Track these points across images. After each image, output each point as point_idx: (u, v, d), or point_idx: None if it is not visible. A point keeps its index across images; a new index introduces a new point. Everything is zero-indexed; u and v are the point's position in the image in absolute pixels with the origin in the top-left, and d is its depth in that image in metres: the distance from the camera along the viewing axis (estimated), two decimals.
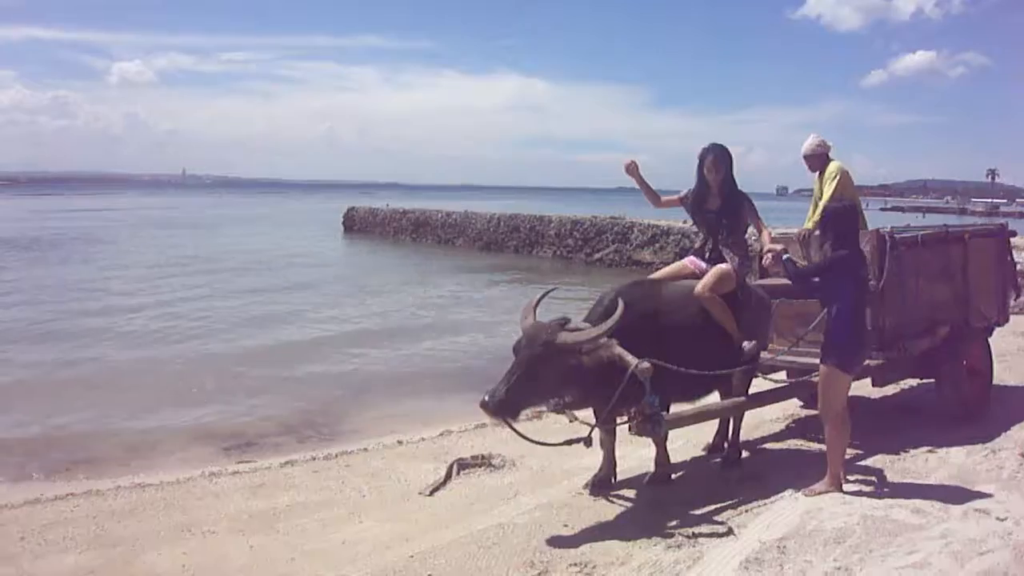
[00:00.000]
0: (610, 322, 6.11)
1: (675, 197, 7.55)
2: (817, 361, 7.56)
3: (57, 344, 16.33)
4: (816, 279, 6.49)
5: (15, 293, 23.45)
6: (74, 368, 14.27)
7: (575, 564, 5.39)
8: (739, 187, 7.33)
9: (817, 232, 8.43)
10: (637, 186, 7.52)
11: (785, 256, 6.59)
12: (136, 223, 61.56)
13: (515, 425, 6.17)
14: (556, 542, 5.80)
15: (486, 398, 5.76)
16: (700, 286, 6.88)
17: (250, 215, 79.18)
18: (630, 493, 6.83)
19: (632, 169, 7.34)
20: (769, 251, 6.92)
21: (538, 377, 5.93)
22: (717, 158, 7.15)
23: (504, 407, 5.81)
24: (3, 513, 7.23)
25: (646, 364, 6.00)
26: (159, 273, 28.74)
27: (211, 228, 57.76)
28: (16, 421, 10.94)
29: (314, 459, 8.79)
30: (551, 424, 6.29)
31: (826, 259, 6.41)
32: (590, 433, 6.39)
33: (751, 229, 7.49)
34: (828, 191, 8.59)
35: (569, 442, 6.33)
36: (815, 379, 7.63)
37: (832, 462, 6.40)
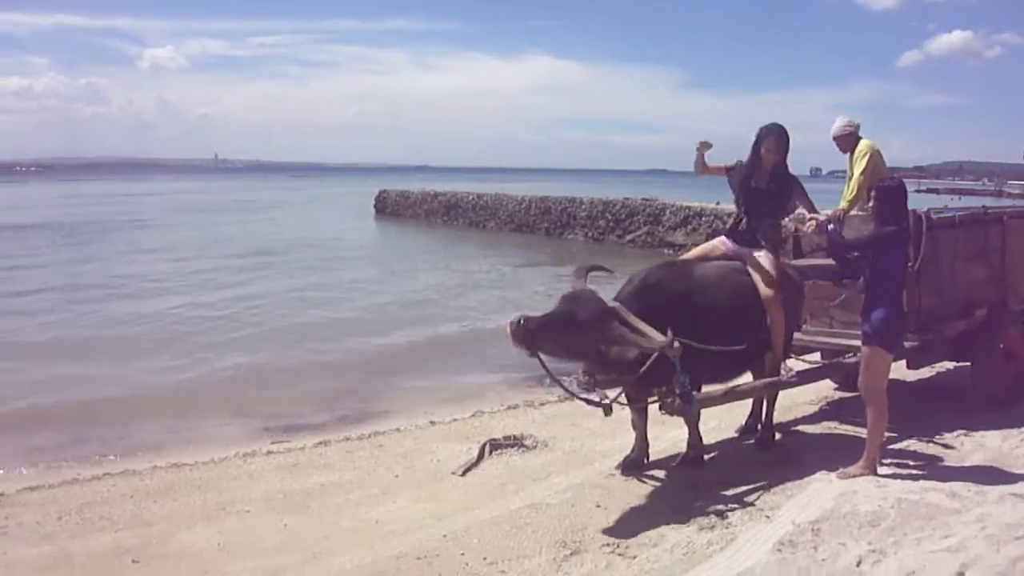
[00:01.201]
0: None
1: (722, 165, 7.50)
2: (850, 342, 7.52)
3: (93, 326, 16.54)
4: (858, 254, 6.42)
5: (55, 277, 23.70)
6: (110, 349, 14.42)
7: (607, 544, 5.40)
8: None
9: (852, 212, 8.37)
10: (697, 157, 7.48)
11: (829, 226, 6.54)
12: (169, 208, 62.04)
13: (541, 357, 6.08)
14: (588, 522, 5.80)
15: (519, 321, 5.73)
16: (767, 289, 6.85)
17: (281, 199, 79.55)
18: (663, 474, 6.82)
19: (702, 146, 7.36)
20: (812, 219, 6.84)
21: (572, 335, 5.94)
22: (777, 140, 7.12)
23: (528, 335, 5.74)
24: (41, 493, 7.33)
25: (676, 343, 5.99)
26: (190, 257, 28.93)
27: (243, 212, 58.11)
28: (53, 401, 11.06)
29: (347, 439, 8.84)
30: (582, 409, 6.28)
31: (872, 234, 6.35)
32: (612, 400, 6.44)
33: None
34: (859, 169, 8.49)
35: (589, 402, 6.45)
36: (848, 360, 7.60)
37: (871, 444, 6.35)
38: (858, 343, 7.65)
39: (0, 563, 5.67)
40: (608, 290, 6.67)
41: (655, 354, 6.01)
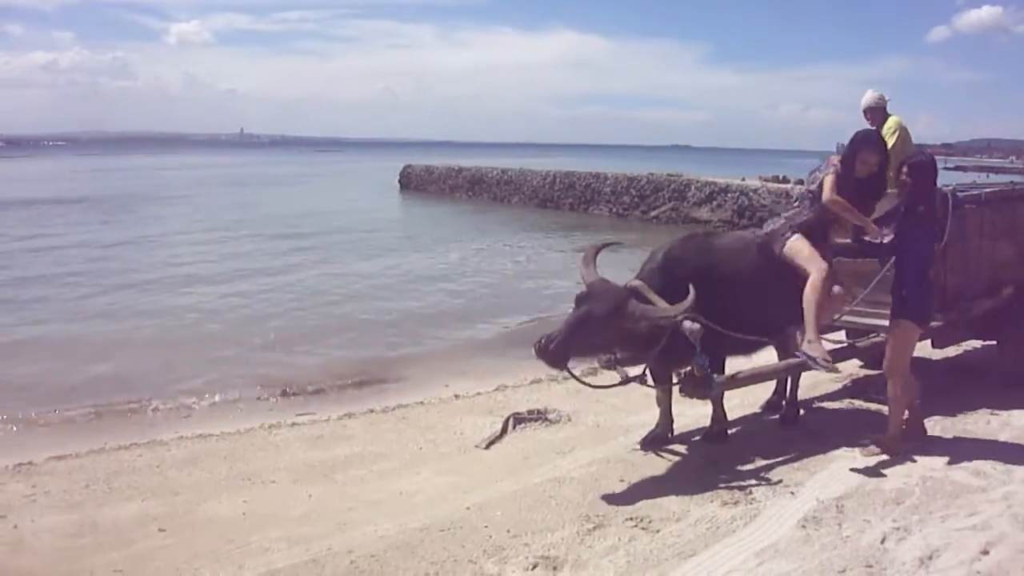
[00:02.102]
0: (685, 304, 6.01)
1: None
2: (875, 321, 7.50)
3: (121, 300, 16.66)
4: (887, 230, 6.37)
5: (85, 250, 23.90)
6: (137, 321, 14.56)
7: (631, 519, 5.40)
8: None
9: None
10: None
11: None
12: (195, 181, 62.41)
13: (570, 369, 6.17)
14: (612, 496, 5.81)
15: (542, 341, 5.73)
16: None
17: (306, 173, 79.80)
18: (686, 450, 6.81)
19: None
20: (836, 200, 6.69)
21: (596, 335, 5.93)
22: (877, 150, 6.79)
23: (555, 354, 5.74)
24: (69, 461, 7.42)
25: (696, 325, 5.96)
26: (217, 231, 29.08)
27: (269, 186, 58.45)
28: (81, 371, 11.20)
29: (371, 412, 8.90)
30: (604, 376, 6.29)
31: (902, 209, 6.29)
32: (636, 378, 6.47)
33: None
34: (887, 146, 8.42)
35: (622, 383, 6.46)
36: (874, 339, 7.57)
37: (894, 419, 6.34)
38: (883, 322, 7.63)
39: (29, 531, 5.75)
40: (626, 259, 6.66)
41: (672, 328, 6.03)
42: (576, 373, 6.38)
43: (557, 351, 5.73)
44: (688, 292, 6.08)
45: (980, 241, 7.80)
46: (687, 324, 5.99)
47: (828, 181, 6.58)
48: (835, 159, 6.73)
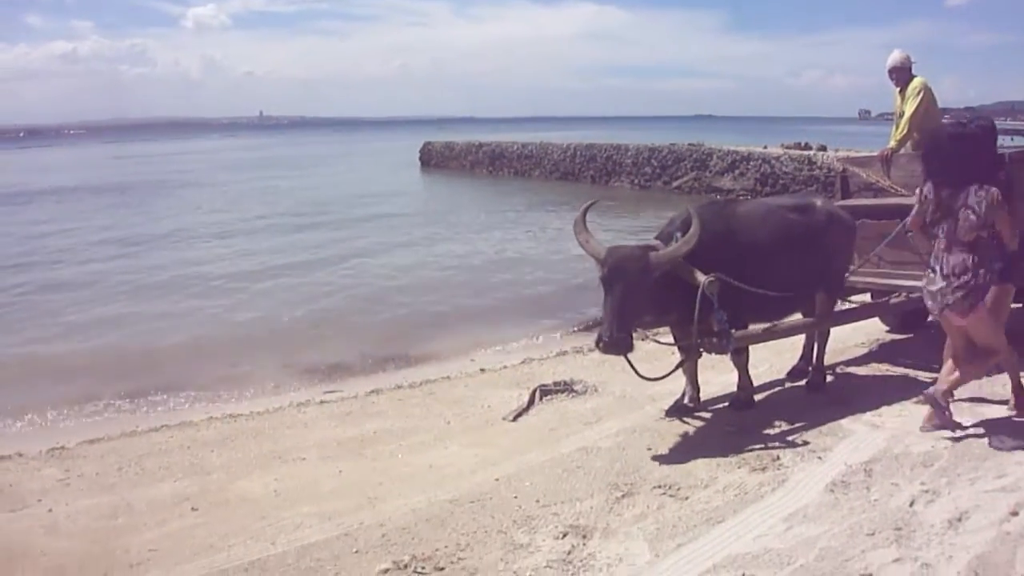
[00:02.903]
0: (692, 234, 6.07)
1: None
2: (898, 282, 7.47)
3: (146, 283, 16.86)
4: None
5: (113, 234, 24.16)
6: (162, 305, 14.72)
7: (659, 486, 5.41)
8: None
9: (900, 151, 8.25)
10: None
11: None
12: (217, 166, 62.71)
13: (631, 361, 6.27)
14: (640, 465, 5.82)
15: (605, 339, 5.79)
16: None
17: (326, 153, 79.99)
18: (713, 417, 6.82)
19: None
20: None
21: (639, 301, 5.94)
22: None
23: (623, 344, 5.82)
24: (101, 444, 7.53)
25: (712, 278, 5.98)
26: (241, 213, 29.29)
27: (289, 167, 58.50)
28: (108, 353, 11.35)
29: (399, 388, 8.96)
30: (636, 353, 6.30)
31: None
32: (682, 363, 6.64)
33: None
34: (911, 108, 8.36)
35: (676, 369, 6.66)
36: (895, 300, 7.55)
37: (1014, 381, 6.22)
38: (906, 283, 7.60)
39: (63, 513, 5.83)
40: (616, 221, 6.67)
41: (697, 289, 6.03)
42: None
43: (622, 340, 5.79)
44: (706, 255, 6.11)
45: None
46: (701, 277, 6.01)
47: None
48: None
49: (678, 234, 6.30)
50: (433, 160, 51.65)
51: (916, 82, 8.47)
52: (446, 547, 4.80)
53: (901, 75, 8.57)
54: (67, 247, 22.03)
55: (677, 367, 6.73)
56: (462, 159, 48.47)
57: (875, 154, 8.61)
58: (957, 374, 5.90)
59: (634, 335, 6.12)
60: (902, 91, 8.59)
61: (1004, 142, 10.75)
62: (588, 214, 6.54)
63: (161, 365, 10.72)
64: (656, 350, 7.23)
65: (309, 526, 5.30)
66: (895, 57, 8.59)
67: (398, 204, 31.75)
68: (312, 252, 20.25)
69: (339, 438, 7.19)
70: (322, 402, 8.59)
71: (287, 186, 41.71)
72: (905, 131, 8.39)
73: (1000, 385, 6.92)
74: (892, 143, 8.42)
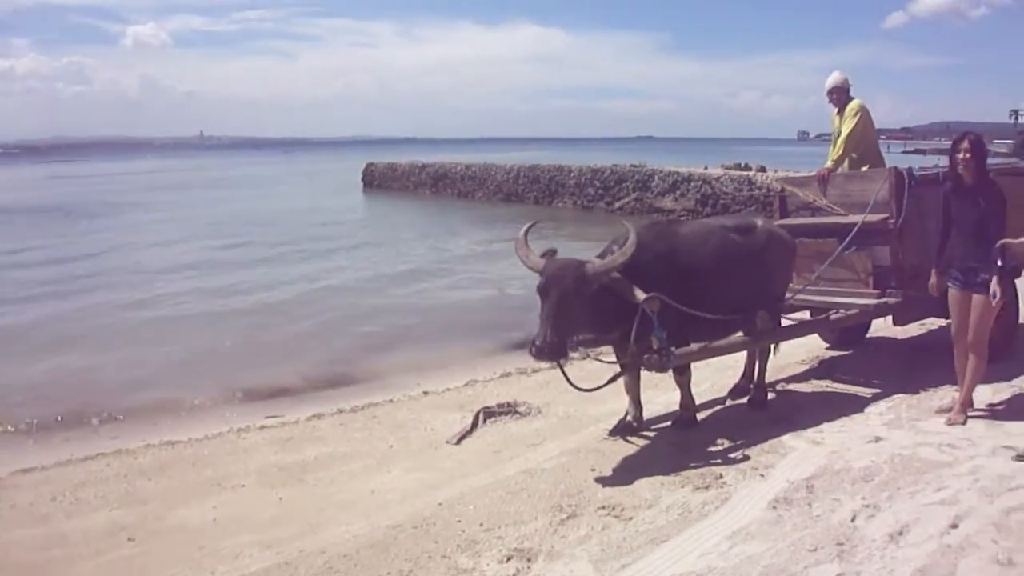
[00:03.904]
0: (628, 246, 6.12)
1: None
2: (836, 299, 7.63)
3: (79, 306, 16.47)
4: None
5: (46, 261, 23.56)
6: (101, 330, 14.38)
7: (603, 507, 5.40)
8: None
9: (837, 171, 8.40)
10: None
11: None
12: (155, 186, 61.75)
13: (564, 369, 6.31)
14: (583, 486, 5.81)
15: (537, 343, 5.77)
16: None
17: (268, 174, 79.34)
18: (656, 437, 6.83)
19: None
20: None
21: (575, 312, 5.93)
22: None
23: (556, 350, 5.82)
24: (34, 474, 7.34)
25: (651, 296, 6.01)
26: (177, 236, 28.82)
27: (229, 188, 57.92)
28: (43, 381, 11.04)
29: (341, 412, 8.85)
30: (576, 371, 6.31)
31: (971, 183, 6.40)
32: (620, 375, 6.64)
33: None
34: (848, 128, 8.53)
35: (611, 381, 6.68)
36: (833, 317, 7.69)
37: (967, 389, 6.48)
38: (842, 300, 7.75)
39: None
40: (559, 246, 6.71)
41: (637, 309, 6.06)
42: (560, 374, 6.39)
43: (554, 346, 5.78)
44: (647, 275, 6.16)
45: (937, 219, 7.89)
46: (640, 295, 6.04)
47: None
48: None
49: (614, 247, 6.35)
50: (376, 181, 51.46)
51: (854, 104, 8.63)
52: (389, 573, 4.75)
53: (839, 96, 8.73)
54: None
55: (613, 379, 6.74)
56: (405, 180, 48.35)
57: (812, 174, 8.75)
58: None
59: (575, 353, 6.12)
60: (840, 112, 8.74)
61: (938, 163, 10.98)
62: (531, 234, 6.54)
63: (97, 391, 10.47)
64: (598, 368, 7.24)
65: (249, 555, 5.23)
66: (834, 78, 8.76)
67: (339, 226, 31.49)
68: (252, 275, 19.95)
69: (280, 464, 7.09)
70: (262, 427, 8.47)
71: (227, 207, 41.19)
72: (842, 151, 8.55)
73: (936, 399, 7.05)
74: (829, 163, 8.56)
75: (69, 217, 36.71)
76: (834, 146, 8.73)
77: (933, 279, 6.76)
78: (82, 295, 17.55)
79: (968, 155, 6.34)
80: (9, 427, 9.17)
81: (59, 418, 9.42)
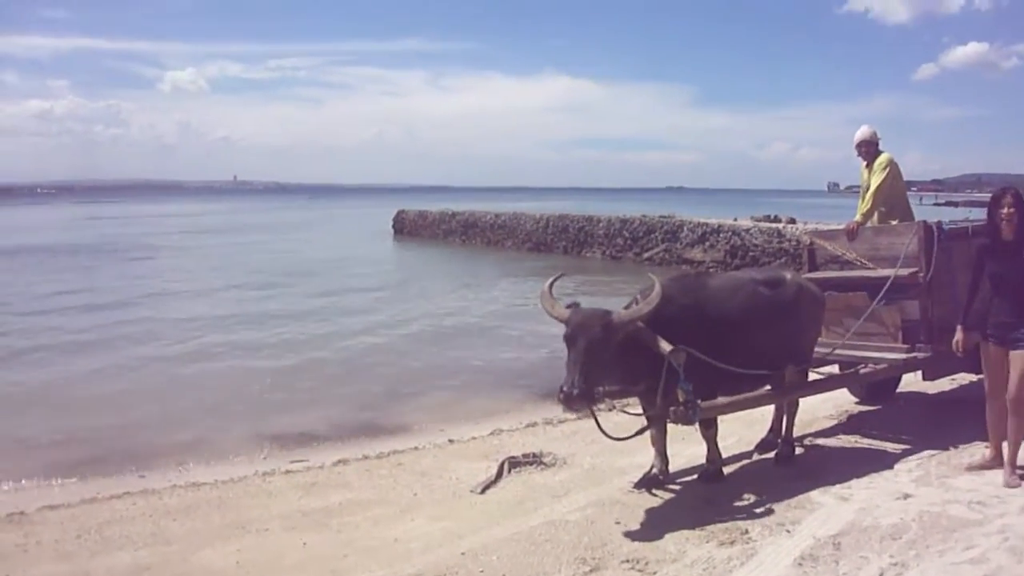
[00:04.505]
0: (654, 296, 6.13)
1: None
2: (865, 354, 7.56)
3: (116, 348, 16.62)
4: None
5: (80, 297, 23.87)
6: (133, 371, 14.50)
7: (627, 561, 5.37)
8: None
9: (866, 224, 8.39)
10: None
11: None
12: (189, 229, 62.40)
13: (596, 416, 6.28)
14: (608, 539, 5.77)
15: (565, 390, 5.76)
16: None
17: (300, 219, 79.91)
18: (682, 490, 6.79)
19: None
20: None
21: (602, 360, 5.93)
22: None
23: (584, 396, 5.81)
24: (60, 511, 7.35)
25: (677, 348, 6.01)
26: (210, 279, 29.11)
27: (263, 233, 58.43)
28: (75, 421, 11.13)
29: (366, 458, 8.84)
30: (603, 423, 6.30)
31: (1014, 239, 6.37)
32: (649, 427, 6.66)
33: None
34: (876, 182, 8.55)
35: (639, 432, 6.70)
36: (863, 371, 7.62)
37: (1012, 452, 6.33)
38: (871, 354, 7.69)
39: None
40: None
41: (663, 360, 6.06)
42: (590, 424, 6.41)
43: (582, 393, 5.77)
44: (674, 327, 6.15)
45: (967, 274, 7.85)
46: (666, 347, 6.04)
47: None
48: None
49: (640, 298, 6.37)
50: (406, 228, 51.80)
51: (883, 157, 8.65)
52: None
53: (868, 150, 8.76)
54: (38, 309, 21.74)
55: (641, 431, 6.75)
56: (435, 228, 48.63)
57: (841, 227, 8.74)
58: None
59: (603, 405, 6.11)
60: (869, 165, 8.76)
61: (969, 215, 10.95)
62: (560, 284, 6.58)
63: (125, 431, 10.56)
64: (625, 421, 7.22)
65: None
66: (863, 132, 8.79)
67: (371, 272, 31.69)
68: (283, 320, 20.08)
69: (304, 509, 7.08)
70: (288, 471, 8.46)
71: (262, 252, 41.59)
72: (870, 205, 8.55)
73: (967, 455, 6.97)
74: (858, 216, 8.56)
75: (111, 257, 37.20)
76: (863, 199, 8.74)
77: (959, 335, 6.70)
78: (112, 339, 17.60)
79: (1012, 210, 6.31)
80: (37, 463, 9.22)
81: (87, 456, 9.48)
